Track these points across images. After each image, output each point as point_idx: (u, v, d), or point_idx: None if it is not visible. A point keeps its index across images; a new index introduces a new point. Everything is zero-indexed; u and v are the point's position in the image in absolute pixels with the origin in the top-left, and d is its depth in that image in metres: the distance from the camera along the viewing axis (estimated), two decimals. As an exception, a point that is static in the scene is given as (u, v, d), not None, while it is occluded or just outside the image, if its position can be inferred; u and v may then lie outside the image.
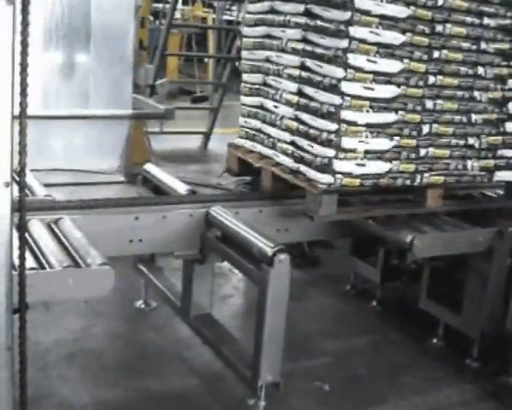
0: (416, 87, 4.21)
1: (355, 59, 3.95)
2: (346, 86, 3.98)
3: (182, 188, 4.71)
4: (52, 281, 3.18)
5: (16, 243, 2.51)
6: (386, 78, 4.07)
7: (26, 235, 3.27)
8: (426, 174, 4.38)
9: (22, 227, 2.54)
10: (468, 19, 4.27)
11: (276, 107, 4.52)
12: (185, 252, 4.37)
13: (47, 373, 4.41)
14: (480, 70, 4.40)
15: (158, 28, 12.68)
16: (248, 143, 4.84)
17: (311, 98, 4.21)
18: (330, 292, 6.01)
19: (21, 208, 2.50)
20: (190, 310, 4.57)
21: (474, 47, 4.34)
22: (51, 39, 6.71)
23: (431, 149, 4.36)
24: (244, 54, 4.90)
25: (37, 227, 3.68)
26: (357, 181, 4.14)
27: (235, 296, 5.90)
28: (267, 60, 4.61)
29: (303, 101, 4.27)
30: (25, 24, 2.30)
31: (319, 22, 4.11)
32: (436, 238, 4.50)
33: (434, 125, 4.33)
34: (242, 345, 4.22)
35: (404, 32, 4.06)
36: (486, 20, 4.32)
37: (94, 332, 5.02)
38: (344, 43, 3.94)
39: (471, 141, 4.49)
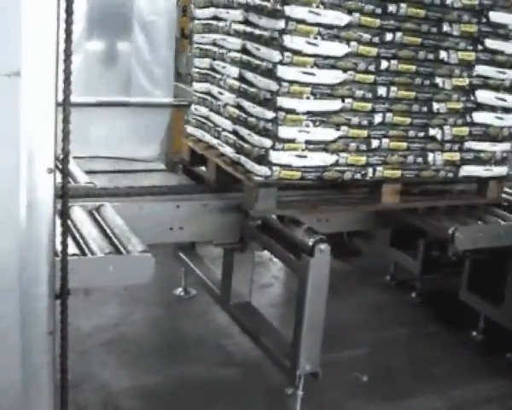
0: (366, 72, 3.84)
1: (291, 41, 3.62)
2: (282, 71, 3.65)
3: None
4: (93, 267, 3.21)
5: (59, 229, 2.54)
6: (329, 62, 3.73)
7: (68, 221, 3.30)
8: (379, 168, 4.02)
9: (65, 213, 2.56)
10: None
11: (220, 93, 4.27)
12: (225, 240, 4.38)
13: (87, 358, 4.46)
14: (443, 54, 4.01)
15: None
16: (199, 132, 4.59)
17: (250, 84, 3.92)
18: (370, 283, 5.99)
19: (64, 195, 2.52)
20: (230, 298, 4.58)
21: (434, 29, 3.94)
22: (93, 27, 6.76)
23: (385, 141, 3.99)
24: (195, 38, 4.60)
25: (78, 214, 3.71)
26: (298, 174, 3.82)
27: (275, 285, 5.90)
28: (214, 43, 4.35)
29: (243, 87, 3.99)
30: (69, 12, 2.31)
31: (258, 1, 3.80)
32: (478, 230, 4.39)
33: (388, 115, 3.96)
34: (281, 334, 4.21)
35: (350, 11, 3.70)
36: (449, 0, 3.93)
37: (133, 319, 5.06)
38: (280, 24, 3.60)
39: (432, 132, 4.11)
